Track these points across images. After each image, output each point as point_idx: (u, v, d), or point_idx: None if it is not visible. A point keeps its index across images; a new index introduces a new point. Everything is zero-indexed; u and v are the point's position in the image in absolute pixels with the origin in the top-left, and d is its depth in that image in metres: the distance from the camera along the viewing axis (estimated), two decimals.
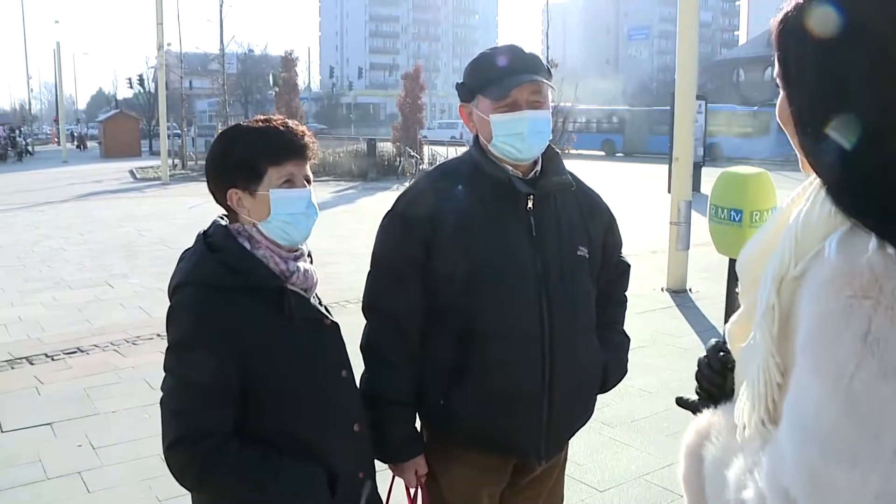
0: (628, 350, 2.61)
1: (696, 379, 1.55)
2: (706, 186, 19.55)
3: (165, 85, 28.94)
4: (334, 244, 12.12)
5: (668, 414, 5.41)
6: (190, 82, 45.67)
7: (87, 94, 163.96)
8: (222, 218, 2.10)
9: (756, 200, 1.50)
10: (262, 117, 2.08)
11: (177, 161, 34.13)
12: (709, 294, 9.27)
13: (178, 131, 36.84)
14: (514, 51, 2.29)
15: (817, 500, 0.97)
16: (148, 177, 29.46)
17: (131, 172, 31.30)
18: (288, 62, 34.67)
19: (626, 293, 2.71)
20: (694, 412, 1.48)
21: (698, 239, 10.69)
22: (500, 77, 2.22)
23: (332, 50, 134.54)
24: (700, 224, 12.10)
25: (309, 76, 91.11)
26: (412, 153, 28.49)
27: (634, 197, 18.90)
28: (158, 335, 7.41)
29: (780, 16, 1.13)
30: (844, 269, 0.99)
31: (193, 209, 18.90)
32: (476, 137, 2.36)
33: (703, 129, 18.97)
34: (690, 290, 9.46)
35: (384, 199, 20.63)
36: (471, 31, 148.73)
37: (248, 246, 2.00)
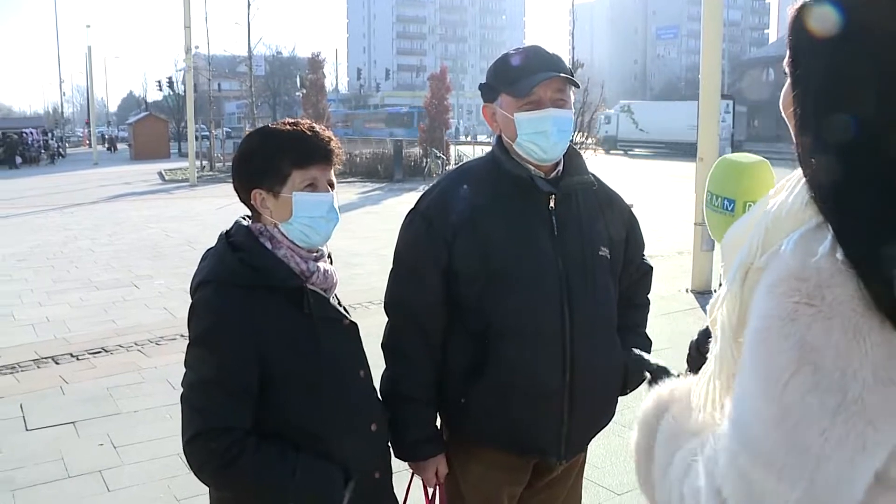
0: (649, 353, 2.58)
1: (687, 362, 1.55)
2: None
3: (194, 87, 29.16)
4: (359, 245, 12.17)
5: None
6: (218, 84, 46.02)
7: (118, 96, 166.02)
8: (245, 218, 2.13)
9: (751, 190, 1.47)
10: (290, 120, 2.11)
11: (205, 163, 34.44)
12: None
13: (207, 133, 37.17)
14: (536, 50, 2.30)
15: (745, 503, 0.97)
16: (176, 178, 29.74)
17: (160, 174, 31.65)
18: (315, 64, 34.83)
19: (649, 295, 2.68)
20: (652, 378, 1.48)
21: None
22: (524, 75, 2.22)
23: (359, 51, 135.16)
24: None
25: (336, 78, 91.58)
26: (438, 154, 28.52)
27: (661, 197, 18.65)
28: (182, 335, 7.47)
29: (797, 4, 1.11)
30: (795, 271, 0.97)
31: (221, 210, 19.04)
32: (499, 137, 2.36)
33: (729, 128, 18.77)
34: (715, 291, 9.34)
35: (410, 201, 20.46)
36: (498, 32, 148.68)
37: (269, 246, 2.03)
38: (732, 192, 1.64)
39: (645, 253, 2.65)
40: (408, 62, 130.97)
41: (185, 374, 1.98)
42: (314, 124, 2.10)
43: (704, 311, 8.67)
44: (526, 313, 2.22)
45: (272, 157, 2.02)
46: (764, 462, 0.95)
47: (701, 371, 1.20)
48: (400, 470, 2.30)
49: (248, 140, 2.12)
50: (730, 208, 1.63)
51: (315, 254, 2.11)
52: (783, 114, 1.17)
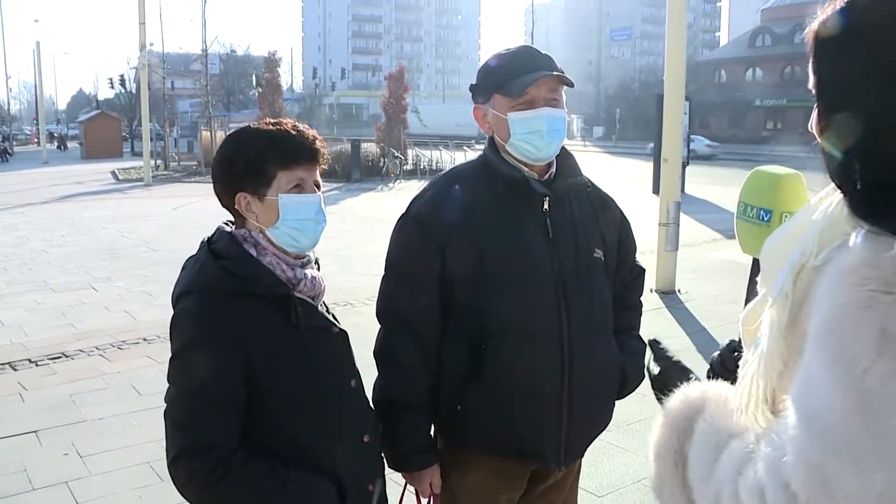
0: (645, 355, 2.57)
1: (709, 378, 1.52)
2: (690, 186, 19.61)
3: (147, 85, 28.67)
4: (318, 246, 12.03)
5: None
6: (172, 83, 45.39)
7: (68, 94, 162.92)
8: (227, 224, 2.04)
9: (787, 201, 1.48)
10: (271, 120, 2.02)
11: (159, 162, 33.92)
12: (698, 295, 9.28)
13: (161, 132, 36.61)
14: (528, 50, 2.27)
15: (818, 496, 0.95)
16: (130, 178, 29.27)
17: (113, 173, 31.09)
18: (271, 63, 34.56)
19: (641, 298, 2.66)
20: (657, 357, 1.51)
21: (686, 240, 10.71)
22: (517, 74, 2.18)
23: (314, 50, 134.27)
24: (687, 225, 12.13)
25: (292, 77, 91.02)
26: (396, 154, 28.45)
27: (619, 197, 18.78)
28: (145, 339, 7.33)
29: (814, 24, 1.10)
30: (870, 260, 0.97)
31: (177, 210, 18.79)
32: (490, 139, 2.32)
33: (687, 129, 19.01)
34: (679, 290, 9.45)
35: (369, 201, 20.61)
36: (453, 32, 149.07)
37: (254, 253, 1.95)
38: (770, 202, 1.63)
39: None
40: (363, 61, 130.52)
41: (168, 389, 1.90)
42: (297, 123, 2.02)
43: (669, 310, 8.79)
44: (523, 317, 2.18)
45: (256, 159, 1.93)
46: (841, 452, 0.93)
47: (742, 373, 1.18)
48: (392, 475, 2.24)
49: (230, 142, 2.02)
50: (766, 219, 1.62)
51: (302, 260, 2.04)
52: (815, 134, 1.16)
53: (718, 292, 9.44)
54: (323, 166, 2.03)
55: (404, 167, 29.09)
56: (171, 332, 1.92)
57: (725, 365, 1.46)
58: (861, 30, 1.03)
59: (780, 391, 1.09)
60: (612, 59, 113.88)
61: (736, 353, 1.43)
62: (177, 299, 1.93)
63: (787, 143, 52.03)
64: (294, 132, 1.96)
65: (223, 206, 2.02)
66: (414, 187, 23.96)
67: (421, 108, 52.58)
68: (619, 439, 5.01)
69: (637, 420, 5.24)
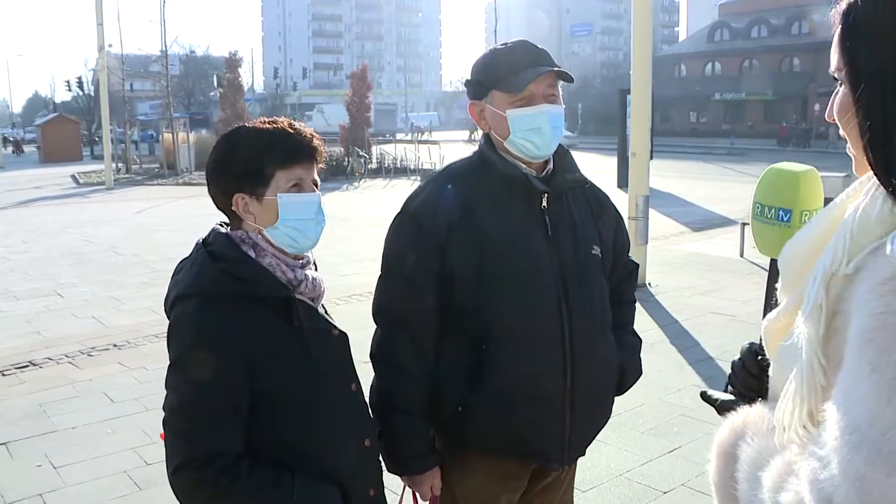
0: (640, 350, 2.56)
1: (730, 382, 1.51)
2: (654, 180, 19.84)
3: (107, 87, 28.22)
4: None
5: (641, 410, 5.41)
6: (131, 84, 44.75)
7: (23, 97, 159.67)
8: (222, 225, 1.98)
9: (807, 199, 1.45)
10: (267, 119, 1.98)
11: (121, 165, 33.42)
12: (668, 287, 9.34)
13: (122, 134, 36.05)
14: (526, 45, 2.22)
15: None
16: (91, 181, 28.75)
17: (73, 177, 30.54)
18: (232, 63, 34.26)
19: (635, 293, 2.66)
20: (718, 411, 1.43)
21: (653, 233, 10.77)
22: (516, 70, 2.14)
23: (275, 50, 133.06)
24: (654, 218, 12.21)
25: (253, 77, 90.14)
26: (361, 153, 28.31)
27: None
28: (115, 345, 7.20)
29: (843, 5, 1.06)
30: None
31: (141, 213, 18.51)
32: (486, 136, 2.28)
33: (650, 123, 19.15)
34: (650, 284, 9.51)
35: (334, 200, 20.45)
36: (414, 30, 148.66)
37: (252, 254, 1.90)
38: (789, 202, 1.60)
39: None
40: (325, 61, 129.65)
41: (167, 397, 1.84)
42: (293, 121, 1.98)
43: (640, 304, 8.79)
44: (524, 315, 2.16)
45: (253, 158, 1.88)
46: (886, 463, 0.90)
47: (784, 389, 1.15)
48: (389, 476, 2.22)
49: (225, 142, 1.96)
50: (786, 219, 1.60)
51: (301, 260, 1.99)
52: (836, 121, 1.13)
53: (688, 284, 9.53)
54: (321, 165, 1.99)
55: (369, 166, 28.98)
56: (169, 338, 1.86)
57: (747, 368, 1.44)
58: None
59: (822, 403, 1.05)
60: (573, 55, 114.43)
61: (760, 357, 1.40)
62: (173, 303, 1.87)
63: (746, 135, 52.74)
64: (291, 130, 1.92)
65: (218, 207, 1.97)
66: (379, 186, 23.89)
67: (325, 110, 61.95)
68: (600, 434, 5.01)
69: (615, 414, 5.20)
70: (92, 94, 47.47)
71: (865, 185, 1.11)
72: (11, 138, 59.59)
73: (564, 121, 2.36)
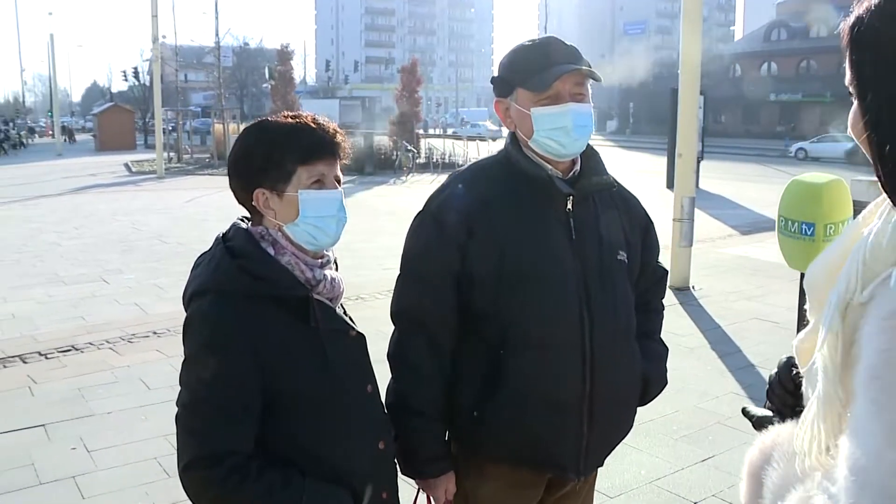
0: (666, 359, 2.48)
1: (768, 397, 1.47)
2: (704, 182, 19.42)
3: (161, 78, 28.70)
4: None
5: (675, 416, 5.31)
6: (185, 75, 45.44)
7: (82, 86, 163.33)
8: (243, 220, 1.96)
9: (830, 212, 1.40)
10: (290, 113, 1.94)
11: (172, 154, 33.97)
12: (712, 291, 9.18)
13: (174, 124, 36.65)
14: (553, 42, 2.15)
15: None
16: (143, 170, 29.29)
17: (126, 166, 31.15)
18: (284, 55, 34.59)
19: (663, 300, 2.57)
20: (755, 426, 1.39)
21: (700, 235, 10.59)
22: (542, 68, 2.08)
23: (327, 43, 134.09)
24: (701, 220, 12.01)
25: (305, 69, 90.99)
26: (409, 147, 28.38)
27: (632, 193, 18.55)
28: (155, 333, 7.30)
29: (851, 18, 1.02)
30: None
31: (190, 203, 18.79)
32: (512, 134, 2.22)
33: (702, 124, 18.85)
34: (693, 287, 9.36)
35: (381, 194, 20.55)
36: (466, 25, 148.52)
37: (271, 251, 1.86)
38: (811, 215, 1.55)
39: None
40: (376, 54, 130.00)
41: (180, 393, 1.82)
42: (317, 116, 1.94)
43: (683, 307, 8.70)
44: (544, 320, 2.09)
45: (275, 154, 1.85)
46: None
47: (802, 415, 1.11)
48: (403, 478, 2.17)
49: (247, 136, 1.93)
50: (809, 233, 1.54)
51: (321, 259, 1.95)
52: (853, 136, 1.08)
53: (733, 289, 9.34)
54: (344, 160, 1.95)
55: (417, 160, 29.04)
56: (184, 334, 1.84)
57: (783, 384, 1.39)
58: None
59: (841, 433, 1.02)
60: (626, 53, 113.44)
61: (794, 372, 1.35)
62: (190, 299, 1.85)
63: (802, 138, 51.66)
64: (314, 125, 1.88)
65: (239, 202, 1.94)
66: (427, 181, 23.90)
67: (308, 104, 62.27)
68: (631, 439, 4.88)
69: (648, 420, 5.16)
70: (147, 84, 48.26)
71: (880, 207, 1.05)
72: (65, 127, 61.10)
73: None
